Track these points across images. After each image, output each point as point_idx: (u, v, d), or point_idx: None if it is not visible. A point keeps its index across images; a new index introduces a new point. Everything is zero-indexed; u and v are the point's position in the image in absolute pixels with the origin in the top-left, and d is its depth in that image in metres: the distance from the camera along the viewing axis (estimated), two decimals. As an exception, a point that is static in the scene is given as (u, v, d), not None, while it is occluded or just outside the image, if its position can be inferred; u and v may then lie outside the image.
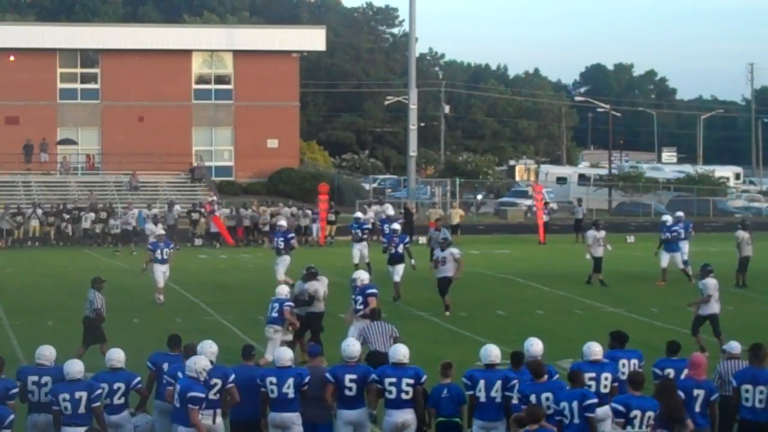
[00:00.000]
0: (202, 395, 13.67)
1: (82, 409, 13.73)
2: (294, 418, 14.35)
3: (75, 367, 13.95)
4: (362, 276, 21.34)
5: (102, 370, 14.59)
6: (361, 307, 20.30)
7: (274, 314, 20.67)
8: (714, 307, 22.55)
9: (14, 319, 27.66)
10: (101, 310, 21.60)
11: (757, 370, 14.33)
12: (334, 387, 14.55)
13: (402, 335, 18.01)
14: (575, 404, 13.43)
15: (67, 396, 13.74)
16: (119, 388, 14.30)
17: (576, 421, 13.40)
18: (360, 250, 34.07)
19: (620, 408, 13.28)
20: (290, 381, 14.32)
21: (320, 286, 22.01)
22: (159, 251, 29.91)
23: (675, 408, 13.26)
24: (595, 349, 14.77)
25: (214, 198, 56.02)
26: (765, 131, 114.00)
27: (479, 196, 73.90)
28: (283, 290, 21.11)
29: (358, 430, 14.64)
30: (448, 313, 27.78)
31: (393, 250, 30.41)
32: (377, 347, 17.53)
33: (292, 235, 32.87)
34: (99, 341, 21.32)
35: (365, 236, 34.83)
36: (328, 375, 14.58)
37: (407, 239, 31.87)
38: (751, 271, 34.01)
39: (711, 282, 22.52)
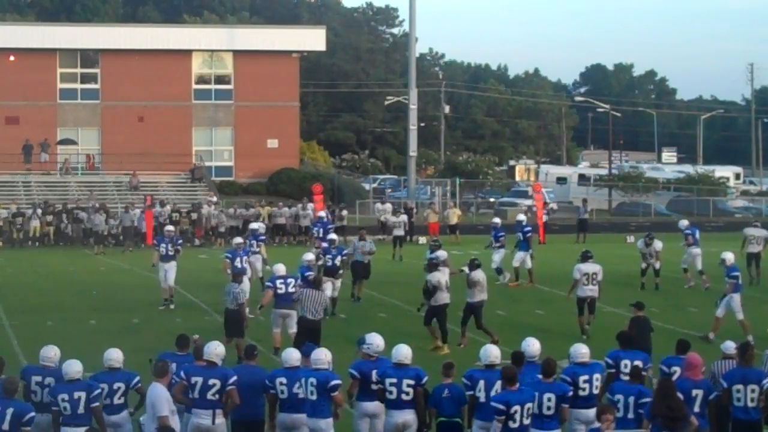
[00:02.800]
0: (340, 382, 14.28)
1: (81, 410, 13.71)
2: (304, 419, 14.37)
3: (73, 368, 13.95)
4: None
5: (101, 370, 14.57)
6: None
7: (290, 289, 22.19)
8: (470, 295, 23.73)
9: (14, 319, 27.66)
10: (245, 303, 21.85)
11: (747, 370, 14.43)
12: (359, 383, 14.75)
13: (402, 336, 18.00)
14: (631, 399, 13.71)
15: (66, 396, 13.73)
16: (119, 388, 14.29)
17: (630, 415, 13.63)
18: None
19: (500, 407, 13.30)
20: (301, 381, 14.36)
21: (441, 277, 23.01)
22: (238, 259, 28.32)
23: (675, 408, 13.26)
24: (582, 351, 14.85)
25: (213, 198, 55.98)
26: (765, 131, 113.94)
27: (501, 198, 73.21)
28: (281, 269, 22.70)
29: (374, 420, 14.79)
30: None
31: (330, 263, 28.05)
32: (306, 314, 20.53)
33: (181, 240, 32.33)
34: (237, 335, 21.33)
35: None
36: (353, 371, 14.81)
37: (344, 251, 29.15)
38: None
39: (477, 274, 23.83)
